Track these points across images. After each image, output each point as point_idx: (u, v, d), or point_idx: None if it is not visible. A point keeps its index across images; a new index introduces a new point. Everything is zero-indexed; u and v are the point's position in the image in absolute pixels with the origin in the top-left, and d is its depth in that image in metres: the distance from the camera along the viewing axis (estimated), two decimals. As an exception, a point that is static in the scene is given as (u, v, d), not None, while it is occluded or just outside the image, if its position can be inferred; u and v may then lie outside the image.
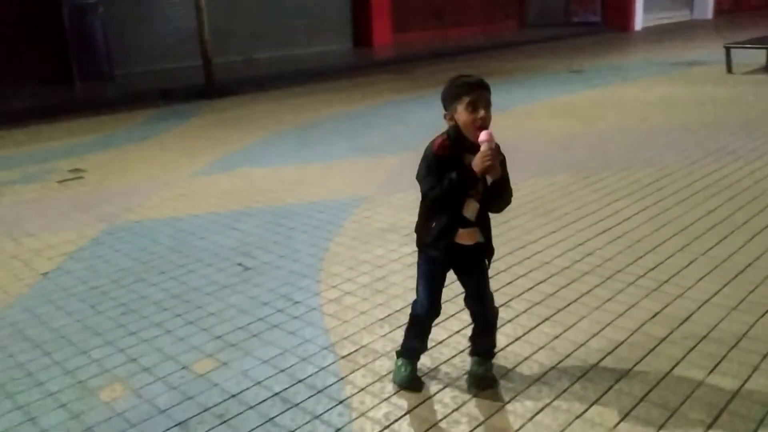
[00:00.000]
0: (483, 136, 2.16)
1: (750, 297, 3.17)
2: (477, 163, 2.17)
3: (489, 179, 2.22)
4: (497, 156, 2.19)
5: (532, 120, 7.67)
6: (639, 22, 20.88)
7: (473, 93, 2.21)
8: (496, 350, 2.63)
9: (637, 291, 3.28)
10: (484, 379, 2.54)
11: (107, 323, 3.19)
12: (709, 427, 2.25)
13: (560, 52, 15.07)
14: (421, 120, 7.61)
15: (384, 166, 5.88)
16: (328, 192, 5.21)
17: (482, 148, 2.16)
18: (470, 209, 2.31)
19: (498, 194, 2.29)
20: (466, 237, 2.34)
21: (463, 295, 2.53)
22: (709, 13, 24.58)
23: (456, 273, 2.47)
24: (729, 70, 10.68)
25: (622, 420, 2.31)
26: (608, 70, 11.87)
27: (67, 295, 3.53)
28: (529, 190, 4.94)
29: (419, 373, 2.59)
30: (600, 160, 5.76)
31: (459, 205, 2.29)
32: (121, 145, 7.27)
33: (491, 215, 2.38)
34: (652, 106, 8.23)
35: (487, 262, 2.44)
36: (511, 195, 2.34)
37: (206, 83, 10.39)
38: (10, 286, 3.71)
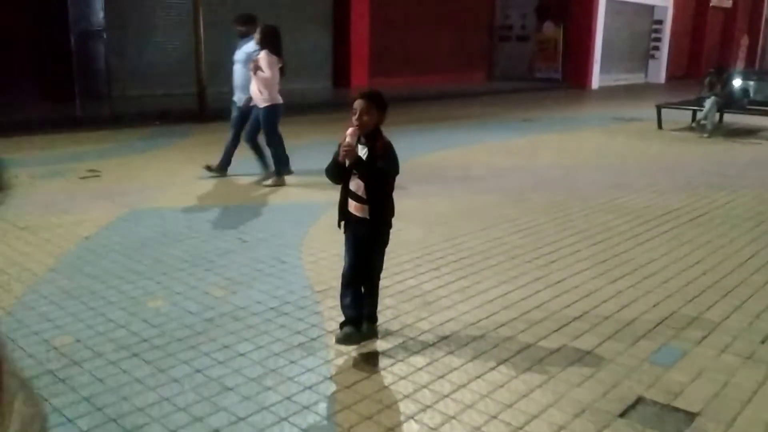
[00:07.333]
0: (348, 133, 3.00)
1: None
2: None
3: (346, 163, 3.02)
4: (348, 147, 2.99)
5: (481, 155, 9.04)
6: (596, 81, 22.81)
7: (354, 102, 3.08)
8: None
9: (535, 268, 4.55)
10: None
11: (143, 266, 4.36)
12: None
13: (519, 103, 16.67)
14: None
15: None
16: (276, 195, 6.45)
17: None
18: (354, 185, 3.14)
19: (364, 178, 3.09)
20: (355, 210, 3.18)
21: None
22: (662, 78, 26.73)
23: None
24: (659, 126, 12.28)
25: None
26: (558, 121, 13.41)
27: (109, 251, 4.68)
28: (466, 203, 6.24)
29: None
30: (528, 186, 7.10)
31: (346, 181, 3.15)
32: (128, 154, 8.43)
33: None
34: (585, 150, 9.68)
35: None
36: (378, 183, 3.10)
37: (199, 108, 11.63)
38: (61, 243, 4.84)
